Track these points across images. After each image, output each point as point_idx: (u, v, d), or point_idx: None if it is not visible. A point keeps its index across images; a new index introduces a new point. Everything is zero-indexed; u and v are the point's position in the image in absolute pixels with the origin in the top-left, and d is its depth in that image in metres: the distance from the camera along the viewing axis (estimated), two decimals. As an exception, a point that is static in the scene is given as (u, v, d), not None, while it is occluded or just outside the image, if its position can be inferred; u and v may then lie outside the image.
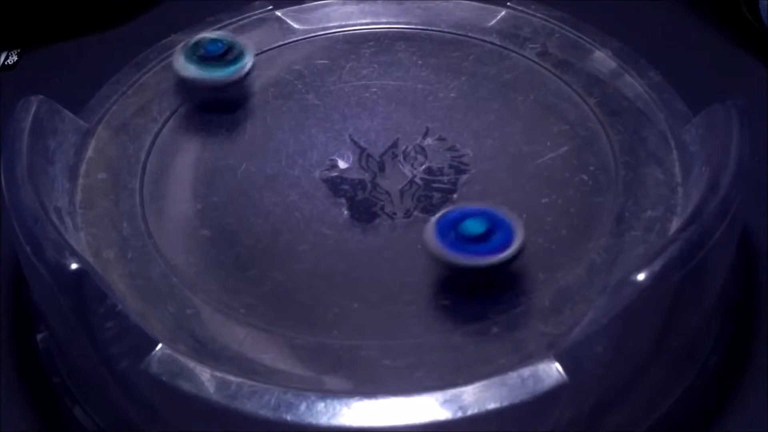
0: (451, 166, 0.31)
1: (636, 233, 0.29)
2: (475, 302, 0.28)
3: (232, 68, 0.33)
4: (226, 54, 0.33)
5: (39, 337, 0.30)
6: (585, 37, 0.35)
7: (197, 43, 0.33)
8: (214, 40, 0.33)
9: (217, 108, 0.34)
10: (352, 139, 0.33)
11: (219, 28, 0.36)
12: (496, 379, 0.24)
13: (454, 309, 0.27)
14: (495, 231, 0.27)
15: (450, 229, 0.27)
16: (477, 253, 0.27)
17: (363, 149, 0.32)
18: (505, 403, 0.24)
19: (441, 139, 0.32)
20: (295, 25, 0.37)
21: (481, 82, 0.34)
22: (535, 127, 0.33)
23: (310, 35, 0.37)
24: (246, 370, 0.25)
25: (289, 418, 0.24)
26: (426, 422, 0.24)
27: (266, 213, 0.30)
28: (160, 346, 0.25)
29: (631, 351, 0.25)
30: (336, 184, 0.31)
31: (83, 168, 0.32)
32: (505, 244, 0.27)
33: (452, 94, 0.34)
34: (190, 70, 0.33)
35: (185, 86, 0.33)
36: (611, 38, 0.35)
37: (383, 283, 0.28)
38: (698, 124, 0.31)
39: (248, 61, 0.33)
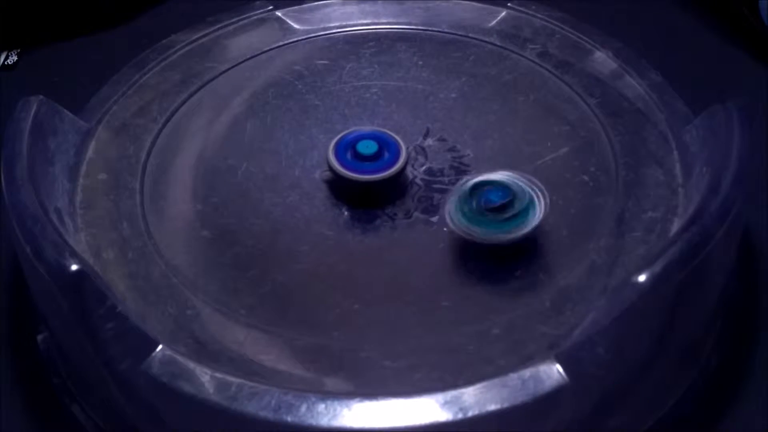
0: (451, 167, 0.31)
1: (637, 234, 0.29)
2: (475, 303, 0.28)
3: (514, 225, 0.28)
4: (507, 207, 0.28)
5: (39, 337, 0.30)
6: (585, 38, 0.35)
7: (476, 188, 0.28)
8: (495, 188, 0.28)
9: (218, 108, 0.34)
10: (352, 140, 0.33)
11: (219, 28, 0.37)
12: (496, 381, 0.24)
13: (454, 310, 0.27)
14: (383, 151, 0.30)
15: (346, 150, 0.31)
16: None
17: (363, 150, 0.32)
18: (506, 405, 0.24)
19: (442, 139, 0.32)
20: (296, 26, 0.37)
21: (481, 82, 0.34)
22: (536, 127, 0.33)
23: (311, 35, 0.37)
24: (246, 371, 0.25)
25: (289, 419, 0.24)
26: (426, 423, 0.24)
27: (266, 213, 0.30)
28: (160, 347, 0.25)
29: (632, 352, 0.25)
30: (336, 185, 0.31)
31: (83, 168, 0.32)
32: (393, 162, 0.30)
33: (453, 95, 0.34)
34: (473, 230, 0.28)
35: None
36: (611, 39, 0.35)
37: (383, 284, 0.28)
38: (699, 124, 0.30)
39: (533, 221, 0.28)
